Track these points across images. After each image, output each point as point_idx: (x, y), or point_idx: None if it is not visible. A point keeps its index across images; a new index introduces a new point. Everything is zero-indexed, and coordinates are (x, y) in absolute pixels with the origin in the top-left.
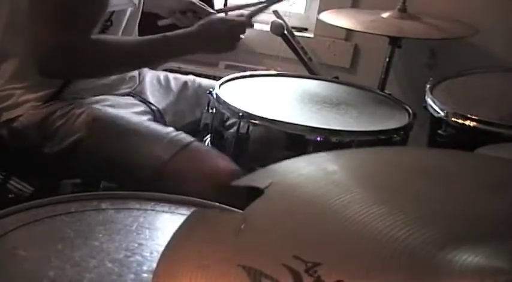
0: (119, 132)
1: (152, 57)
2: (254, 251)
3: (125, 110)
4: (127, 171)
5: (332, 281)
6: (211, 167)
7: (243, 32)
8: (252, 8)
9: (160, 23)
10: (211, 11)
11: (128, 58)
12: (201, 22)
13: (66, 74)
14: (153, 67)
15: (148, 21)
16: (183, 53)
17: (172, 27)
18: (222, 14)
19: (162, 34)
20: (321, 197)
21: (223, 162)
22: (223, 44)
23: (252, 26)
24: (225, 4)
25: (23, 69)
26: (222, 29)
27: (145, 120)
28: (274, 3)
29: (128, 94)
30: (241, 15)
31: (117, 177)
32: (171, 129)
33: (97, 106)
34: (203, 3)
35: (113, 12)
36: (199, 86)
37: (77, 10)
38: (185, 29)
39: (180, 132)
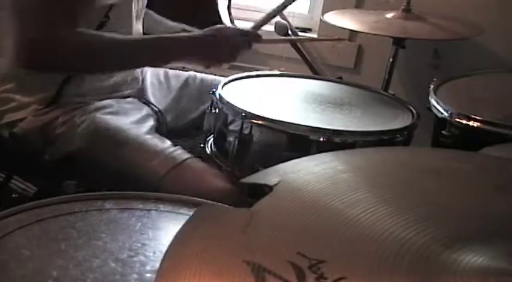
0: (118, 145)
1: (142, 58)
2: (259, 247)
3: (128, 116)
4: (123, 184)
5: (335, 278)
6: (205, 186)
7: (247, 46)
8: (257, 20)
9: None
10: None
11: (114, 55)
12: (212, 28)
13: (52, 67)
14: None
15: None
16: (178, 58)
17: None
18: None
19: (159, 35)
20: (329, 196)
21: (216, 181)
22: (224, 54)
23: (260, 38)
24: (229, 6)
25: (13, 70)
26: (227, 36)
27: (144, 133)
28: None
29: (130, 96)
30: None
31: (115, 187)
32: (168, 144)
33: (98, 115)
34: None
35: (110, 7)
36: (201, 81)
37: (61, 2)
38: (190, 34)
39: (177, 147)
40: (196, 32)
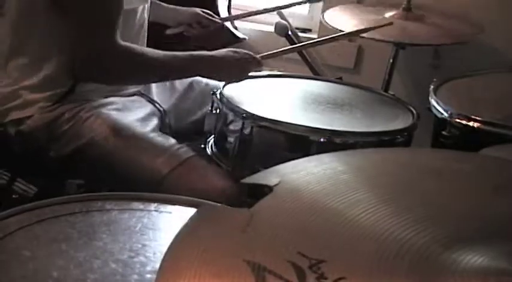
0: (122, 143)
1: (176, 73)
2: (260, 247)
3: (132, 114)
4: (127, 180)
5: (335, 278)
6: (207, 184)
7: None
8: (267, 53)
9: (169, 31)
10: (217, 20)
11: (155, 70)
12: (226, 50)
13: (99, 80)
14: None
15: (154, 30)
16: (201, 74)
17: (180, 35)
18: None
19: (189, 53)
20: (329, 196)
21: (220, 180)
22: (236, 75)
23: (261, 67)
24: (229, 6)
25: (30, 68)
26: (243, 62)
27: (149, 131)
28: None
29: (134, 94)
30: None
31: (117, 184)
32: (173, 142)
33: (104, 111)
34: (209, 14)
35: None
36: (206, 85)
37: (99, 17)
38: (211, 53)
39: (182, 145)
40: (221, 51)
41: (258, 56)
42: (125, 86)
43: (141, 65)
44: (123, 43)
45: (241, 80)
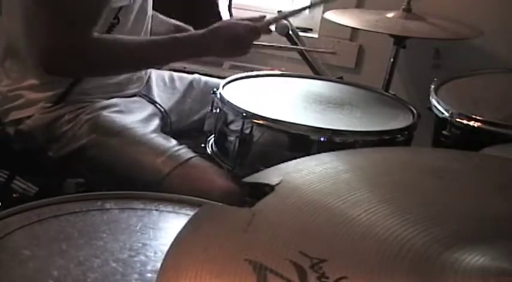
0: (123, 144)
1: (158, 58)
2: (261, 246)
3: (134, 115)
4: (127, 181)
5: (336, 277)
6: (207, 184)
7: (258, 38)
8: (273, 16)
9: None
10: None
11: (131, 58)
12: (216, 24)
13: (71, 73)
14: (157, 67)
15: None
16: (193, 55)
17: None
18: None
19: (172, 35)
20: (330, 195)
21: (220, 180)
22: (235, 48)
23: (270, 32)
24: (230, 6)
25: (28, 68)
26: (238, 33)
27: (150, 132)
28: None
29: (135, 94)
30: (261, 18)
31: (117, 185)
32: (174, 143)
33: (105, 113)
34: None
35: (119, 9)
36: (205, 84)
37: (76, 10)
38: (198, 31)
39: (182, 146)
40: (210, 28)
41: (263, 20)
42: (104, 76)
43: (117, 54)
44: (95, 35)
45: (246, 51)
